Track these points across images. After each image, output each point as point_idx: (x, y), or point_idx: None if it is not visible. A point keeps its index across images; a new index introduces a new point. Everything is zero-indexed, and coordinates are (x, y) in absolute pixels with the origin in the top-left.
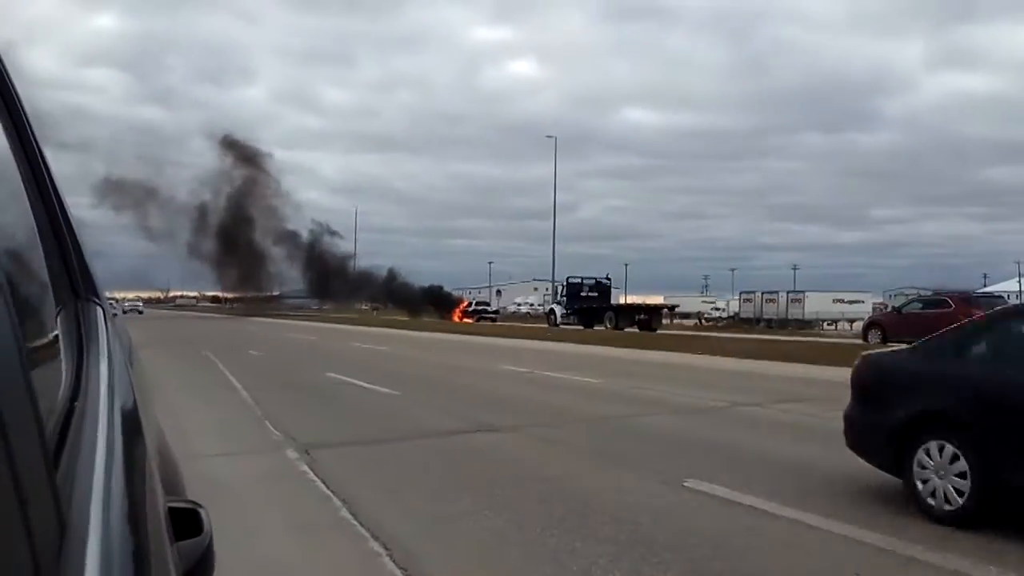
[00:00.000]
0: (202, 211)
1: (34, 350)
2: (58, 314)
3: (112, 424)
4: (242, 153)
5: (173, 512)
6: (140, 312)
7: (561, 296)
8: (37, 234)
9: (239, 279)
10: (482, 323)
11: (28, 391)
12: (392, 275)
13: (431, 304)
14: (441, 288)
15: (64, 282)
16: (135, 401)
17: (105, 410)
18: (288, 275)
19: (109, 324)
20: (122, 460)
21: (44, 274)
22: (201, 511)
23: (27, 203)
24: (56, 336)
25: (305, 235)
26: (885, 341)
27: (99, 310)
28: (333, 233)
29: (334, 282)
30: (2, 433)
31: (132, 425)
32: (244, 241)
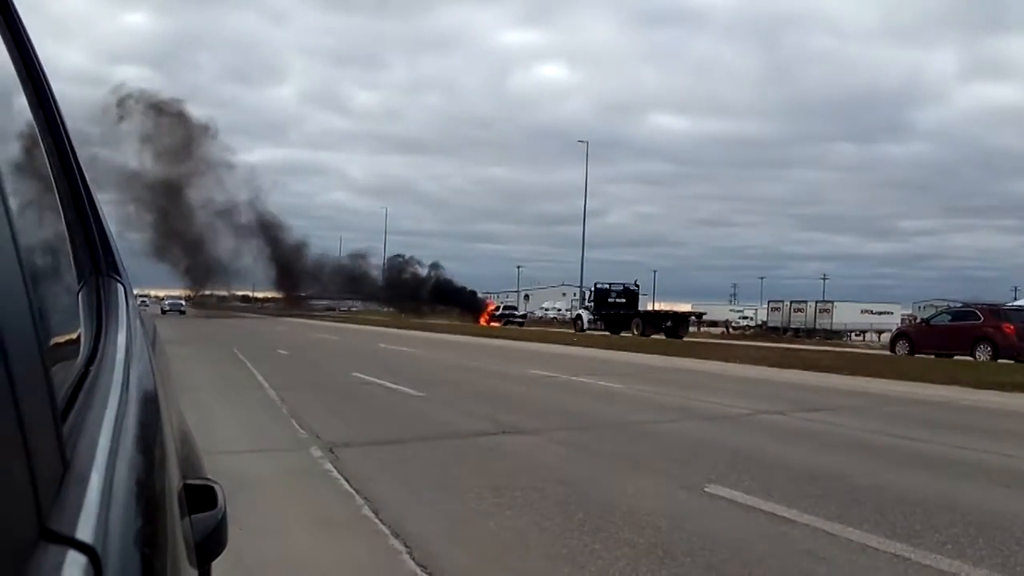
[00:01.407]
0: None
1: (54, 320)
2: (80, 288)
3: (126, 390)
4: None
5: (191, 488)
6: (182, 312)
7: (588, 301)
8: (60, 211)
9: (196, 277)
10: (509, 327)
11: (39, 351)
12: (431, 276)
13: (461, 307)
14: (474, 293)
15: (86, 258)
16: (153, 378)
17: (120, 377)
18: (256, 273)
19: (130, 300)
20: (134, 420)
21: (67, 250)
22: (216, 487)
23: (52, 182)
24: (77, 308)
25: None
26: (913, 352)
27: (120, 287)
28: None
29: (362, 284)
30: (11, 385)
31: (147, 395)
32: (189, 233)
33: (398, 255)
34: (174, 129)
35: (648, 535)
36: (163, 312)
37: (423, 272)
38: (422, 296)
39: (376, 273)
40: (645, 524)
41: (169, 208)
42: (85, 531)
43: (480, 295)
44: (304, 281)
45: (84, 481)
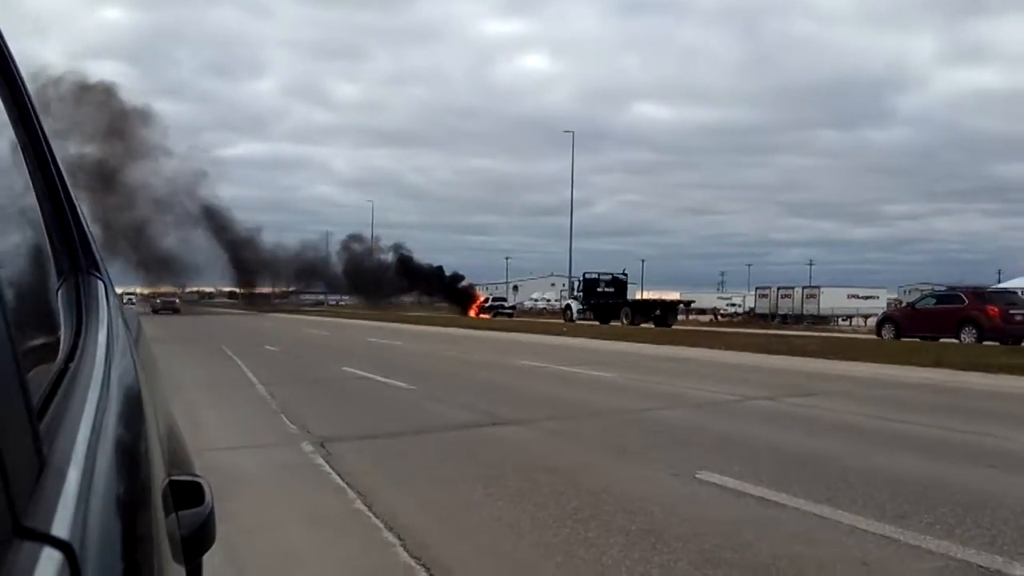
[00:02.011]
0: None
1: (30, 318)
2: (59, 286)
3: (107, 387)
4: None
5: (178, 485)
6: (176, 310)
7: (577, 292)
8: (38, 209)
9: (150, 271)
10: (499, 318)
11: (11, 349)
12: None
13: (449, 299)
14: (440, 269)
15: (65, 256)
16: (136, 373)
17: (100, 374)
18: (209, 266)
19: (111, 297)
20: (115, 416)
21: (46, 247)
22: (203, 483)
23: (28, 179)
24: (56, 306)
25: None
26: (899, 336)
27: (100, 284)
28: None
29: (324, 274)
30: None
31: (129, 389)
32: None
33: (353, 235)
34: (102, 112)
35: (640, 522)
36: (155, 311)
37: (384, 255)
38: (387, 280)
39: (337, 260)
40: (637, 511)
41: (105, 194)
42: (61, 528)
43: (466, 284)
44: (260, 273)
45: (61, 478)
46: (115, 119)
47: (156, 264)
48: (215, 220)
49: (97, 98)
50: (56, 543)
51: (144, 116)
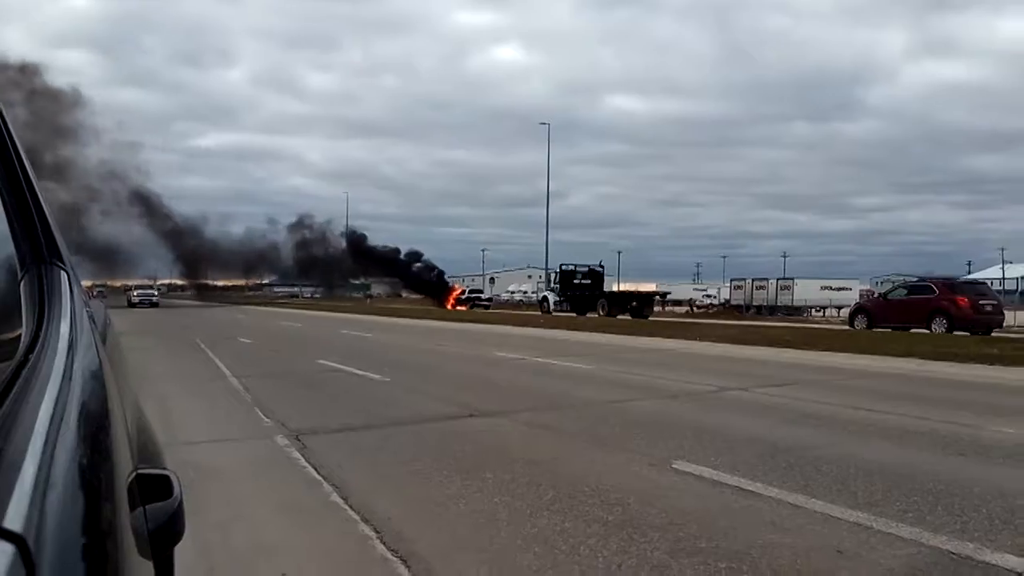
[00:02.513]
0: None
1: None
2: (22, 277)
3: (68, 378)
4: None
5: (147, 478)
6: (154, 303)
7: (554, 283)
8: (0, 199)
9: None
10: (475, 310)
11: None
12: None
13: (410, 283)
14: (397, 251)
15: (27, 246)
16: (100, 363)
17: (62, 364)
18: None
19: (75, 287)
20: (77, 408)
21: (7, 238)
22: (172, 476)
23: None
24: (18, 297)
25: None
26: (871, 327)
27: (63, 274)
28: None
29: (275, 264)
30: None
31: (93, 381)
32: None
33: (303, 216)
34: (21, 92)
35: (618, 512)
36: (130, 304)
37: (334, 239)
38: (341, 266)
39: (286, 250)
40: (614, 502)
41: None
42: (14, 520)
43: (425, 267)
44: (208, 264)
45: (16, 470)
46: (36, 99)
47: (96, 255)
48: (149, 208)
49: (13, 78)
50: (8, 535)
51: (72, 98)
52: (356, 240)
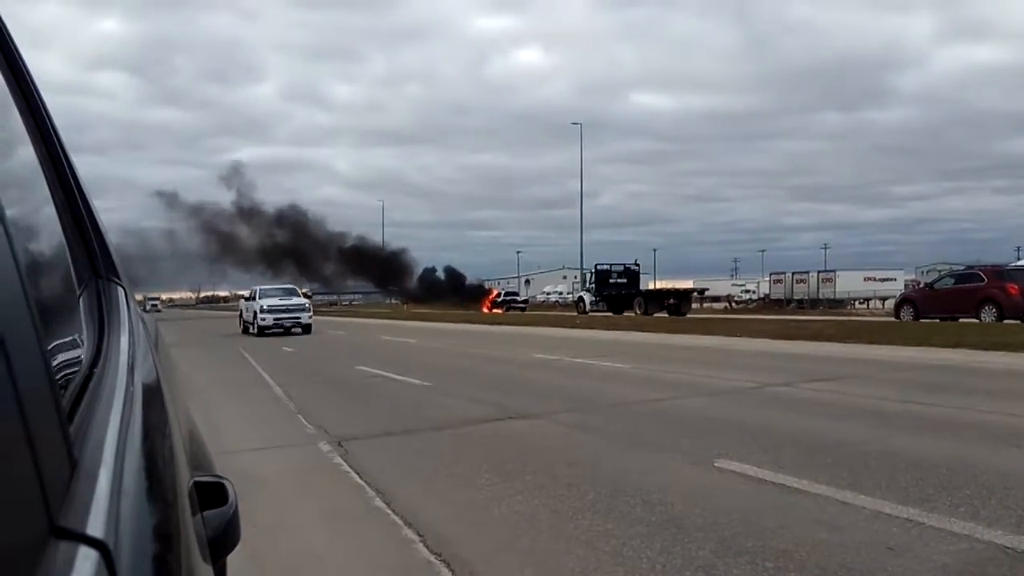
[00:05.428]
0: None
1: (55, 325)
2: (80, 293)
3: (131, 389)
4: None
5: (201, 486)
6: (157, 309)
7: (590, 283)
8: (57, 218)
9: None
10: (511, 313)
11: (41, 355)
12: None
13: (459, 295)
14: (399, 253)
15: (85, 263)
16: (157, 375)
17: (124, 376)
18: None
19: (131, 302)
20: (140, 418)
21: (66, 256)
22: (227, 483)
23: (47, 189)
24: (79, 313)
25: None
26: (917, 318)
27: (120, 290)
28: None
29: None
30: (14, 388)
31: (152, 392)
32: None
33: (289, 206)
34: None
35: (660, 512)
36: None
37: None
38: (326, 265)
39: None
40: (656, 502)
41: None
42: (95, 527)
43: (477, 282)
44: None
45: (93, 478)
46: None
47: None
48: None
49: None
50: (91, 542)
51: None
52: (350, 247)
